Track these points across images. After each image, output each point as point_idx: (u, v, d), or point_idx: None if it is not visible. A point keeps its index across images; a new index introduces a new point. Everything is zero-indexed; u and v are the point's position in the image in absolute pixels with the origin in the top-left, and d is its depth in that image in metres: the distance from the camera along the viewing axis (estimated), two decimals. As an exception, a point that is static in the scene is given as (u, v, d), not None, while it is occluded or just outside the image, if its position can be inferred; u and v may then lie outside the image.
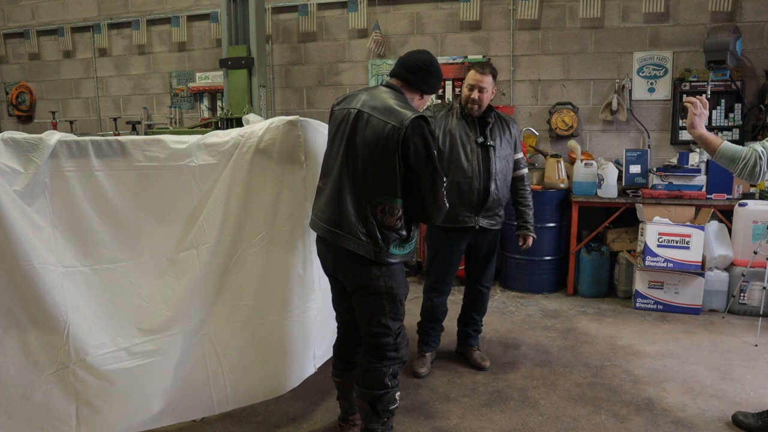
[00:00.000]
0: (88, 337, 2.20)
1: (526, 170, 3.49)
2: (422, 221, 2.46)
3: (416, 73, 2.46)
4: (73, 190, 2.22)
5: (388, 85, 2.48)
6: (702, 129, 2.61)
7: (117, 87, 6.96)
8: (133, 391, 2.33)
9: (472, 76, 3.21)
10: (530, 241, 3.49)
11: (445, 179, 2.39)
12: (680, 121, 5.16)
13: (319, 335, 2.84)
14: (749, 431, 2.76)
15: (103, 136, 2.44)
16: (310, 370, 2.81)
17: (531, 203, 3.50)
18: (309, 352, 2.78)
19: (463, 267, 3.68)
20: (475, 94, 3.19)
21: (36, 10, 7.08)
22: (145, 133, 6.13)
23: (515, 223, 3.53)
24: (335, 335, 2.79)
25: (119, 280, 2.33)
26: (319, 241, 2.51)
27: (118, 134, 5.27)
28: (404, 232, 2.36)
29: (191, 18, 6.48)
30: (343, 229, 2.34)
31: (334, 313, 2.84)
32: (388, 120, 2.27)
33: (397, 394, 2.50)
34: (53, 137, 2.16)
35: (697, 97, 2.65)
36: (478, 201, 3.23)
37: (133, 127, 6.13)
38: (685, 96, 3.04)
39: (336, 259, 2.45)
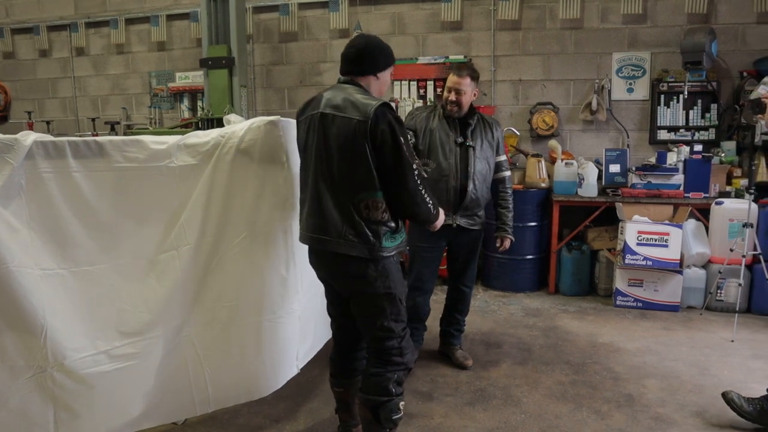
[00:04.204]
0: (66, 341, 2.16)
1: (508, 173, 3.52)
2: (405, 216, 2.39)
3: (358, 60, 2.40)
4: (50, 192, 2.17)
5: (343, 82, 2.42)
6: None
7: (95, 87, 6.85)
8: (113, 394, 2.30)
9: (450, 78, 3.25)
10: (507, 243, 3.51)
11: (425, 170, 2.33)
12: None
13: (302, 336, 2.83)
14: (739, 413, 2.77)
15: (81, 136, 2.40)
16: (293, 371, 2.79)
17: (511, 206, 3.52)
18: (292, 353, 2.76)
19: (444, 267, 3.69)
20: (453, 96, 3.22)
21: (10, 8, 6.93)
22: (125, 134, 6.05)
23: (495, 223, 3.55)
24: (317, 335, 2.76)
25: (98, 283, 2.29)
26: (310, 251, 2.46)
27: (97, 135, 5.20)
28: (393, 224, 2.31)
29: (171, 17, 6.40)
30: (330, 234, 2.28)
31: (316, 314, 2.82)
32: (352, 115, 2.22)
33: (401, 403, 2.41)
34: (29, 138, 2.11)
35: None
36: (455, 199, 3.25)
37: (112, 128, 6.03)
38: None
39: (328, 267, 2.41)
